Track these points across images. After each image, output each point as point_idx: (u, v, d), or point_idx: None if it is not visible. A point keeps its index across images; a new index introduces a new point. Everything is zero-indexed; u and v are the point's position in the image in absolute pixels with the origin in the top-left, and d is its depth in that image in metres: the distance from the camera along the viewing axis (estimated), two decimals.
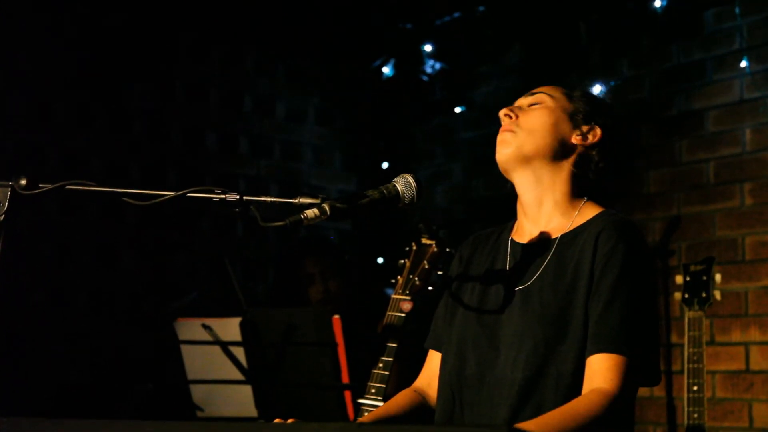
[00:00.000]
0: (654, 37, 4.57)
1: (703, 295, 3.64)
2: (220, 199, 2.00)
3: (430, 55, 5.17)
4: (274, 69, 5.07)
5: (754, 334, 4.15)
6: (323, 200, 1.95)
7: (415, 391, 2.36)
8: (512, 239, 2.28)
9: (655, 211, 4.52)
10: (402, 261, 3.00)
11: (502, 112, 2.28)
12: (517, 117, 2.25)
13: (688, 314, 3.64)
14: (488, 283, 2.23)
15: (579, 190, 2.26)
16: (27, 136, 4.07)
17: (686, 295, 3.68)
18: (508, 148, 2.23)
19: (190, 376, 3.52)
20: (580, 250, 2.11)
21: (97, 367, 4.13)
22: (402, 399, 2.35)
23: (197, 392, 3.54)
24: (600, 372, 2.00)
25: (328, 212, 1.94)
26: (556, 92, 2.29)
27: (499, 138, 2.25)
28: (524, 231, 2.27)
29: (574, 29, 4.66)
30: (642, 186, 4.58)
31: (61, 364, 4.02)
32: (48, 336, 4.00)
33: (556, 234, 2.20)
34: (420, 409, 2.32)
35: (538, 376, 2.05)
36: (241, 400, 3.36)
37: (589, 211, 2.22)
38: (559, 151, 2.22)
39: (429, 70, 5.21)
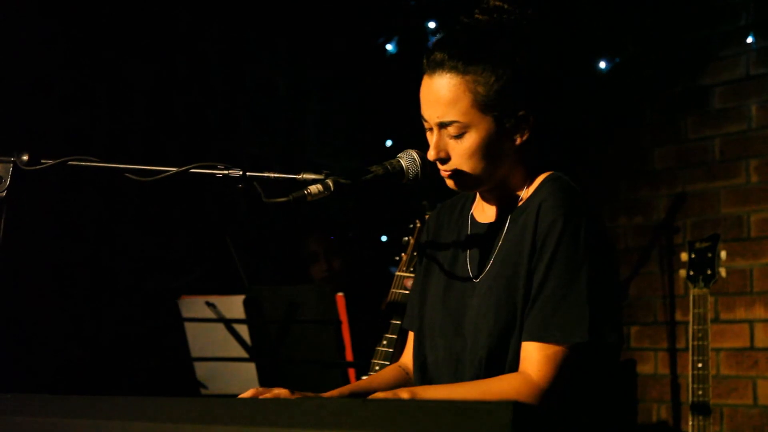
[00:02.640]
0: (659, 12, 4.54)
1: (708, 272, 3.63)
2: (223, 175, 1.98)
3: (434, 32, 5.14)
4: (276, 45, 5.04)
5: (759, 312, 4.15)
6: (327, 176, 1.93)
7: (400, 366, 2.34)
8: (473, 216, 2.20)
9: (660, 188, 4.50)
10: (406, 238, 2.99)
11: (430, 156, 2.05)
12: (448, 158, 2.04)
13: (693, 291, 3.62)
14: (452, 269, 2.17)
15: (533, 165, 2.12)
16: (25, 112, 4.03)
17: (691, 273, 3.66)
18: (456, 187, 2.09)
19: (194, 353, 3.52)
20: (522, 227, 2.03)
21: (101, 344, 4.12)
22: (389, 373, 2.32)
23: (201, 370, 3.55)
24: (528, 360, 1.93)
25: (332, 188, 1.92)
26: (465, 98, 1.98)
27: (446, 180, 2.10)
28: (483, 207, 2.18)
29: (577, 5, 4.63)
30: (647, 163, 4.56)
31: (65, 342, 4.01)
32: (51, 313, 4.00)
33: (509, 212, 2.11)
34: (403, 385, 2.28)
35: (495, 365, 2.00)
36: (245, 378, 3.36)
37: (537, 180, 2.10)
38: (505, 162, 2.06)
39: None
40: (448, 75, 2.00)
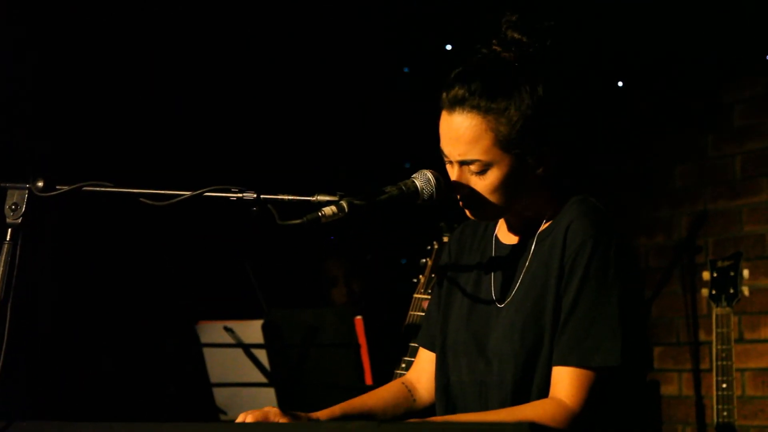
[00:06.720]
0: (678, 30, 4.51)
1: (731, 291, 3.59)
2: (237, 198, 1.97)
3: (451, 54, 5.14)
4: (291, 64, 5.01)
5: None
6: (341, 197, 1.92)
7: (403, 383, 2.30)
8: (497, 237, 2.18)
9: (681, 207, 4.46)
10: (423, 260, 2.97)
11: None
12: (469, 193, 2.02)
13: (716, 311, 3.58)
14: (476, 290, 2.15)
15: (557, 186, 2.10)
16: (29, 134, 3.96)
17: (713, 292, 3.62)
18: (477, 218, 2.10)
19: (213, 379, 3.52)
20: (549, 249, 2.01)
21: (119, 370, 4.12)
22: (387, 390, 2.28)
23: (220, 395, 3.54)
24: (560, 385, 1.91)
25: (347, 209, 1.90)
26: (487, 137, 1.96)
27: (465, 211, 2.10)
28: (508, 228, 2.16)
29: (598, 27, 4.61)
30: (668, 181, 4.53)
31: (82, 368, 4.01)
32: (68, 340, 3.99)
33: (534, 233, 2.08)
34: (403, 404, 2.24)
35: (522, 389, 1.98)
36: (265, 403, 3.34)
37: (563, 202, 2.08)
38: (527, 191, 2.05)
39: None
40: (469, 114, 1.97)
